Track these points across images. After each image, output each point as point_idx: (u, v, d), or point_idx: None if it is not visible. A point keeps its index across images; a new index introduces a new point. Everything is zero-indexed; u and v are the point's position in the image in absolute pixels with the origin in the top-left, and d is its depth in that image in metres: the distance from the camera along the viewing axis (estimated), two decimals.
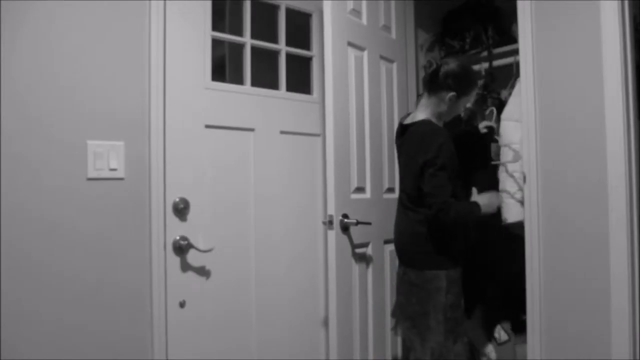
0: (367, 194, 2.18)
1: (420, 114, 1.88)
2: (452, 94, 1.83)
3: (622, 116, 1.67)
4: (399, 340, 2.33)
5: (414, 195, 1.85)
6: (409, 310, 1.88)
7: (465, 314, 1.97)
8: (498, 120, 2.22)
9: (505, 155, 2.12)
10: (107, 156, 1.68)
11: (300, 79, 2.36)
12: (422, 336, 1.83)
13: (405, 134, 1.90)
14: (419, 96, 1.96)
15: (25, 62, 1.54)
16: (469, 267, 1.99)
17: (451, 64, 1.84)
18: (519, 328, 2.23)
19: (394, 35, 2.43)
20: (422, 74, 2.04)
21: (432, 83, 1.85)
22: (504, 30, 2.53)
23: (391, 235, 2.29)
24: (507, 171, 2.10)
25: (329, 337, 1.96)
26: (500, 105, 2.37)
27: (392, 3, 2.42)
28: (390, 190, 2.32)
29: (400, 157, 2.00)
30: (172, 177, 1.83)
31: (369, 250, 2.17)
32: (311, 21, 2.37)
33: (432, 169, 1.72)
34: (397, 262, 2.07)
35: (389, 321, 2.28)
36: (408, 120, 1.92)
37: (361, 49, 2.16)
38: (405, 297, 1.90)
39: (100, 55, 1.69)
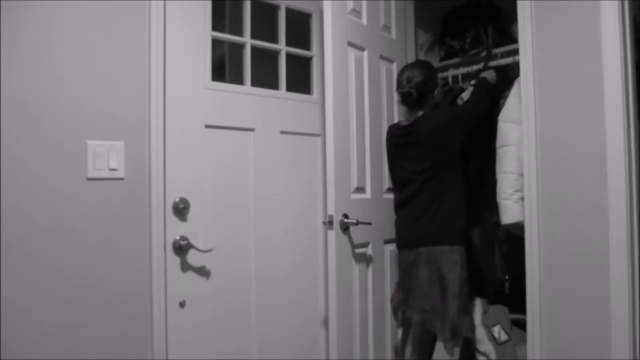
0: (367, 194, 2.18)
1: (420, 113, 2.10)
2: (436, 90, 2.15)
3: (622, 116, 1.68)
4: (398, 332, 2.34)
5: (443, 175, 2.01)
6: (423, 291, 1.99)
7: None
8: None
9: (503, 155, 2.12)
10: (107, 156, 1.68)
11: (300, 79, 2.36)
12: (441, 314, 1.95)
13: (413, 130, 2.07)
14: (408, 111, 2.15)
15: (25, 62, 1.54)
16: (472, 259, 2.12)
17: (417, 76, 2.06)
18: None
19: (394, 35, 2.43)
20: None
21: (421, 99, 2.08)
22: (504, 30, 2.53)
23: (391, 235, 2.29)
24: (504, 172, 2.10)
25: (329, 337, 1.96)
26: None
27: (392, 3, 2.42)
28: (391, 190, 2.32)
29: (412, 149, 2.07)
30: (172, 177, 1.83)
31: (369, 250, 2.17)
32: (311, 21, 2.37)
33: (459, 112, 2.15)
34: (399, 256, 2.17)
35: (389, 321, 2.28)
36: (407, 123, 2.11)
37: (361, 49, 2.16)
38: (420, 280, 2.00)
39: (100, 55, 1.69)
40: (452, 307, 1.94)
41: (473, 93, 2.21)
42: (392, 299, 2.24)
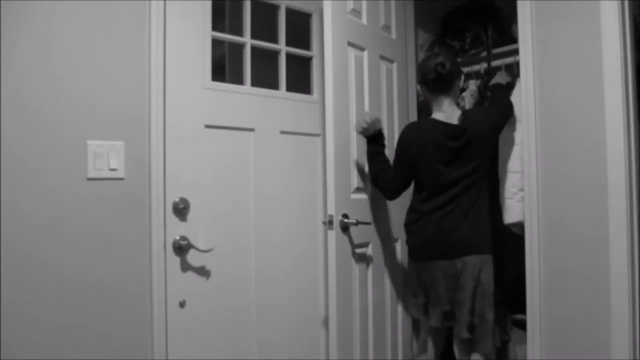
0: (367, 194, 2.17)
1: (455, 110, 2.00)
2: (462, 78, 2.06)
3: (622, 116, 1.68)
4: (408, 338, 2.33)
5: (485, 176, 1.97)
6: (470, 303, 1.87)
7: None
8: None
9: (505, 155, 2.12)
10: (107, 156, 1.68)
11: (300, 79, 2.36)
12: (485, 327, 1.88)
13: (463, 130, 1.93)
14: (434, 99, 2.01)
15: (25, 62, 1.54)
16: None
17: (444, 57, 1.97)
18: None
19: (394, 35, 2.43)
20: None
21: (450, 79, 1.97)
22: (504, 30, 2.53)
23: (389, 235, 2.28)
24: (507, 171, 2.10)
25: (329, 337, 1.96)
26: None
27: (392, 3, 2.42)
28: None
29: (462, 152, 1.93)
30: (172, 177, 1.83)
31: (369, 251, 2.17)
32: (311, 21, 2.37)
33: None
34: (429, 267, 1.95)
35: (389, 321, 2.28)
36: (449, 120, 1.96)
37: (361, 49, 2.16)
38: (466, 292, 1.87)
39: (100, 55, 1.69)
40: (491, 317, 1.89)
41: (501, 98, 2.17)
42: (429, 315, 2.00)
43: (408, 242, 2.07)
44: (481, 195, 1.96)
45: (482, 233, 1.94)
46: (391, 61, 2.38)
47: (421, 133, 1.96)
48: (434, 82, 1.97)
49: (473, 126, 1.93)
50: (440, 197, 1.95)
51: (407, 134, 2.00)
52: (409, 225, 2.05)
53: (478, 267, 1.89)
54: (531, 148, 1.92)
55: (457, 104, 2.04)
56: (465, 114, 1.98)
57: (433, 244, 1.95)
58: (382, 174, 2.04)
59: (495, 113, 2.09)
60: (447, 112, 1.98)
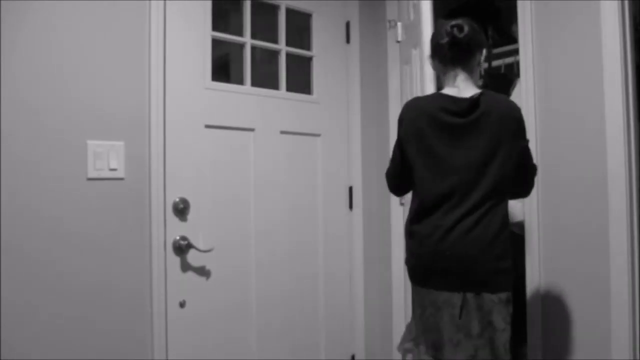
0: None
1: (470, 88, 1.51)
2: (484, 50, 1.55)
3: (622, 116, 1.67)
4: None
5: (505, 180, 1.44)
6: (469, 352, 1.39)
7: None
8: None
9: None
10: (107, 156, 1.68)
11: (300, 79, 2.36)
12: None
13: (481, 111, 1.44)
14: (446, 72, 1.55)
15: (25, 62, 1.54)
16: None
17: (464, 20, 1.54)
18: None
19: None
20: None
21: (468, 48, 1.51)
22: (504, 30, 2.53)
23: None
24: None
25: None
26: None
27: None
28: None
29: (474, 132, 1.45)
30: (172, 177, 1.83)
31: None
32: (311, 21, 2.37)
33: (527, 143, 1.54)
34: (427, 295, 1.46)
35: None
36: (461, 95, 1.49)
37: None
38: (466, 334, 1.40)
39: (100, 55, 1.69)
40: None
41: None
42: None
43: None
44: (501, 203, 1.43)
45: (499, 261, 1.40)
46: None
47: (417, 105, 1.54)
48: (448, 48, 1.49)
49: (494, 104, 1.44)
50: (435, 194, 1.45)
51: (403, 108, 1.59)
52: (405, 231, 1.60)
53: (488, 308, 1.38)
54: (531, 147, 1.92)
55: (476, 85, 1.54)
56: (492, 94, 1.49)
57: (423, 265, 1.48)
58: (389, 166, 1.66)
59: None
60: (460, 88, 1.50)
